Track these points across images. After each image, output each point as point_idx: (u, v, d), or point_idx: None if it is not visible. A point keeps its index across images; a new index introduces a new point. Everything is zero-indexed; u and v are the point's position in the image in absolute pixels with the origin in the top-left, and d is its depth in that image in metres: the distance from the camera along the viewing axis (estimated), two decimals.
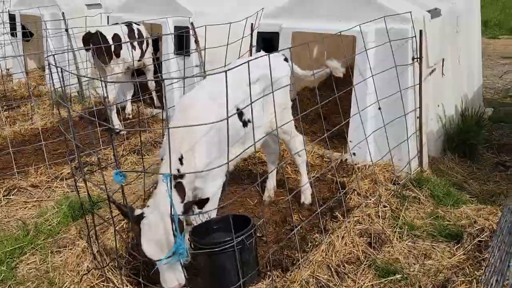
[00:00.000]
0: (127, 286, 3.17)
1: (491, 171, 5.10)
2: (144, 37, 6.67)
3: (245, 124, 3.52)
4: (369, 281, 3.34)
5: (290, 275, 3.21)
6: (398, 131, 4.63)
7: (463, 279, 3.15)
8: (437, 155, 5.26)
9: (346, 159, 5.04)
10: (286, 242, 3.68)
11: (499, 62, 10.59)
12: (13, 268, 3.74)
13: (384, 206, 4.13)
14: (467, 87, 6.16)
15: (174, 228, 2.42)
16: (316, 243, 3.60)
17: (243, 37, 5.33)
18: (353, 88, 4.67)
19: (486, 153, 5.55)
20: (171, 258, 2.36)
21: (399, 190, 4.41)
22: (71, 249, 3.86)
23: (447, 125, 5.42)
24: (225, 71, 2.38)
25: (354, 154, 4.95)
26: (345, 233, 3.66)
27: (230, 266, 2.50)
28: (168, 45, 6.64)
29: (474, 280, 3.05)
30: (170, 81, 6.61)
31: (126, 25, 6.56)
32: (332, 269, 3.36)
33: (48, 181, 5.07)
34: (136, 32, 6.58)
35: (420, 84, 4.56)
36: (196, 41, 6.34)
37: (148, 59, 6.85)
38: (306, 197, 4.37)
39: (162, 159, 3.21)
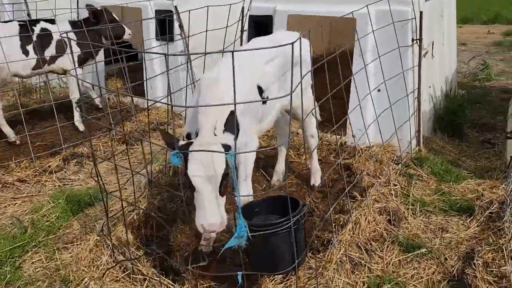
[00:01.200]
0: (158, 277, 3.01)
1: (480, 149, 5.34)
2: (55, 37, 5.51)
3: (263, 101, 3.42)
4: (396, 257, 3.39)
5: (325, 255, 3.19)
6: (398, 112, 4.72)
7: (488, 248, 3.28)
8: (429, 135, 5.44)
9: (346, 142, 5.09)
10: (308, 224, 3.66)
11: (459, 48, 11.10)
12: (17, 268, 3.44)
13: (394, 185, 4.20)
14: (448, 70, 6.41)
15: (237, 209, 2.30)
16: (341, 223, 3.60)
17: (239, 20, 5.20)
18: (353, 71, 4.70)
19: (471, 132, 5.81)
20: (231, 241, 2.24)
21: (404, 169, 4.51)
22: (78, 244, 3.62)
23: (436, 106, 5.61)
24: (299, 40, 2.25)
25: (353, 136, 5.00)
26: (366, 211, 3.69)
27: (285, 248, 2.43)
28: (150, 30, 6.35)
29: (503, 247, 3.18)
30: (152, 70, 6.37)
31: (19, 24, 5.36)
32: (362, 247, 3.38)
33: (36, 175, 4.71)
34: (38, 31, 5.41)
35: (419, 65, 4.67)
36: (181, 26, 6.12)
37: (64, 64, 5.66)
38: (316, 179, 4.36)
39: (188, 136, 3.00)
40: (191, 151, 2.48)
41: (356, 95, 4.60)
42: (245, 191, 2.99)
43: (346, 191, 3.55)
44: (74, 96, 5.87)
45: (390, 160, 4.68)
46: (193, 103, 3.06)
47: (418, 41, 4.60)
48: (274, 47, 2.17)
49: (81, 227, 3.88)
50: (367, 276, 3.16)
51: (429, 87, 5.38)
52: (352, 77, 4.80)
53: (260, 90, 3.25)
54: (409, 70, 4.67)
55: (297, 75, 3.65)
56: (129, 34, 6.12)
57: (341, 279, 3.05)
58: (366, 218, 3.62)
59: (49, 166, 4.84)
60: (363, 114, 4.60)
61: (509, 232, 3.30)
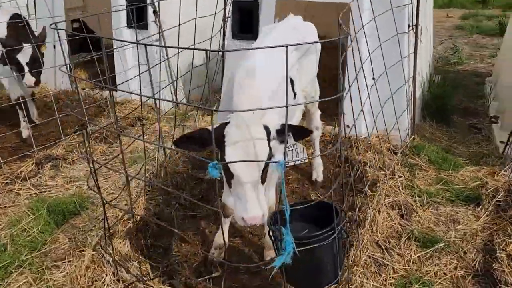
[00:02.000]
0: None
1: (467, 134, 5.35)
2: None
3: (295, 94, 3.16)
4: (414, 253, 3.28)
5: (349, 258, 3.01)
6: (395, 100, 4.60)
7: (508, 240, 3.23)
8: (419, 122, 5.39)
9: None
10: None
11: None
12: None
13: (399, 177, 4.10)
14: (429, 55, 6.40)
15: (282, 224, 2.03)
16: (355, 220, 3.44)
17: (225, 7, 4.84)
18: (347, 59, 4.52)
19: (456, 117, 5.83)
20: (280, 259, 1.98)
21: (404, 160, 4.42)
22: (71, 261, 3.23)
23: (424, 92, 5.57)
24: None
25: (347, 126, 4.84)
26: (380, 207, 3.55)
27: (329, 259, 2.21)
28: (120, 18, 5.86)
29: None
30: (124, 60, 5.91)
31: None
32: (382, 246, 3.24)
33: (7, 182, 4.19)
34: None
35: (415, 52, 4.56)
36: (155, 12, 5.69)
37: None
38: (319, 174, 4.17)
39: None
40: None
41: (352, 85, 4.46)
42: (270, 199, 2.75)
43: (366, 188, 3.38)
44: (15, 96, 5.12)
45: (388, 150, 4.58)
46: (226, 93, 2.76)
47: (414, 27, 4.47)
48: (319, 42, 1.90)
49: (70, 241, 3.47)
50: (392, 277, 3.03)
51: (418, 74, 5.30)
52: (347, 66, 4.66)
53: (292, 83, 2.97)
54: (405, 58, 4.55)
55: (309, 64, 3.41)
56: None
57: (369, 283, 2.89)
58: (381, 215, 3.48)
59: (21, 172, 4.33)
60: (356, 104, 4.45)
61: None
